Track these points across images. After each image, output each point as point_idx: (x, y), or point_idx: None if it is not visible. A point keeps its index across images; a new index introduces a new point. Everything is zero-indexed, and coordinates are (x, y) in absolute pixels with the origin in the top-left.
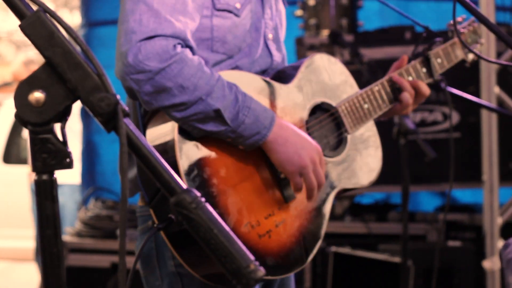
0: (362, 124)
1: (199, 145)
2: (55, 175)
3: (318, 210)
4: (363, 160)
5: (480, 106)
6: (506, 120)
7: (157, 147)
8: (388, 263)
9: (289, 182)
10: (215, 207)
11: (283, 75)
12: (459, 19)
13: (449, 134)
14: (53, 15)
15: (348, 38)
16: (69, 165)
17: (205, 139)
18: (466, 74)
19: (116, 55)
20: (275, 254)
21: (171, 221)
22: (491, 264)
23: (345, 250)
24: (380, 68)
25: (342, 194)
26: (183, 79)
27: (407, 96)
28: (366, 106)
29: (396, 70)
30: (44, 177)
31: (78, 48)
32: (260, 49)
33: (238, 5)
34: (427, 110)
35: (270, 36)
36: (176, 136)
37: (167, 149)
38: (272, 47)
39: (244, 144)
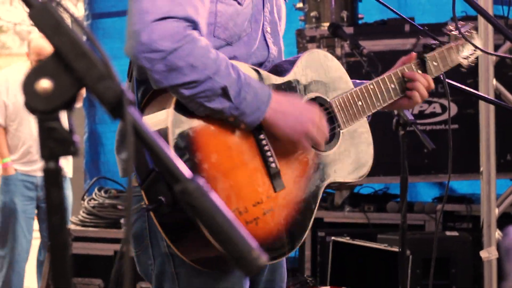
0: (355, 120)
1: (193, 130)
2: (61, 163)
3: (307, 202)
4: (355, 156)
5: (478, 98)
6: (504, 112)
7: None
8: (387, 253)
9: (279, 172)
10: None
11: (280, 69)
12: (458, 24)
13: (448, 126)
14: (60, 5)
15: (348, 30)
16: (75, 153)
17: (199, 125)
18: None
19: (128, 32)
20: (261, 241)
21: (160, 203)
22: (488, 254)
23: (345, 239)
24: (380, 60)
25: (332, 187)
26: (194, 59)
27: (421, 86)
28: (360, 103)
29: (399, 67)
30: (51, 164)
31: (84, 38)
32: (258, 41)
33: None
34: (425, 102)
35: (268, 29)
36: (170, 122)
37: (161, 134)
38: (270, 40)
39: (246, 122)
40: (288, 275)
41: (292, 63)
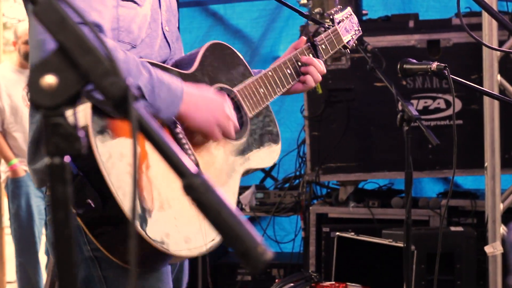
0: (259, 107)
1: (111, 129)
2: (66, 159)
3: (226, 191)
4: (265, 142)
5: (482, 93)
6: (508, 107)
7: None
8: (392, 248)
9: (198, 164)
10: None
11: (182, 63)
12: (336, 8)
13: (452, 122)
14: (65, 0)
15: None
16: (80, 150)
17: (116, 122)
18: (469, 62)
19: (32, 42)
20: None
21: (89, 207)
22: (492, 249)
23: (349, 235)
24: (384, 56)
25: (248, 173)
26: None
27: (314, 70)
28: (261, 90)
29: (292, 52)
30: (56, 160)
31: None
32: (159, 39)
33: None
34: (430, 98)
35: (166, 28)
36: (89, 122)
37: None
38: (169, 38)
39: (161, 118)
40: (293, 270)
41: (193, 56)
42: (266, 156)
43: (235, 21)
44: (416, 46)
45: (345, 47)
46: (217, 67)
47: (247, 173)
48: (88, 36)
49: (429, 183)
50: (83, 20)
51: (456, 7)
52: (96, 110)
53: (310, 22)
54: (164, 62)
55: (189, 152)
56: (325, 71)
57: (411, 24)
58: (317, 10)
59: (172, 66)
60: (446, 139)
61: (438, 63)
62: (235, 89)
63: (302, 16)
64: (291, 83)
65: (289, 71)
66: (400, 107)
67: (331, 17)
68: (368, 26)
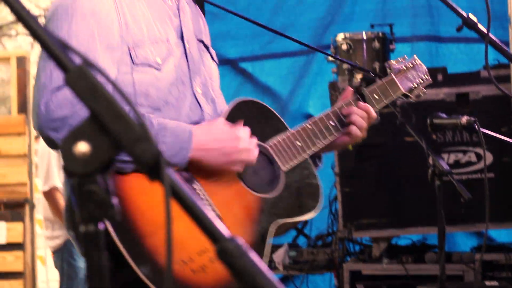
0: (295, 160)
1: (122, 190)
2: (100, 226)
3: (255, 245)
4: (300, 195)
5: None
6: None
7: None
8: None
9: (220, 217)
10: (143, 248)
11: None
12: (399, 58)
13: (484, 175)
14: (95, 67)
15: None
16: (114, 216)
17: (127, 182)
18: (499, 115)
19: (33, 109)
20: None
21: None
22: None
23: None
24: (413, 110)
25: (283, 228)
26: None
27: (358, 118)
28: (298, 143)
29: (337, 104)
30: (90, 228)
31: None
32: (188, 102)
33: (158, 60)
34: (461, 152)
35: (197, 89)
36: None
37: None
38: (201, 100)
39: (174, 164)
40: None
41: (223, 115)
42: (302, 209)
43: (264, 78)
44: (445, 100)
45: (406, 96)
46: (247, 122)
47: (282, 228)
48: (119, 102)
49: (463, 237)
50: (115, 86)
51: (484, 59)
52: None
53: (340, 79)
54: (196, 123)
55: (210, 208)
56: (374, 116)
57: (440, 77)
58: (345, 66)
59: None
60: (478, 193)
61: (468, 117)
62: (267, 143)
63: (359, 69)
64: (334, 134)
65: (332, 123)
66: (431, 162)
67: (388, 66)
68: None
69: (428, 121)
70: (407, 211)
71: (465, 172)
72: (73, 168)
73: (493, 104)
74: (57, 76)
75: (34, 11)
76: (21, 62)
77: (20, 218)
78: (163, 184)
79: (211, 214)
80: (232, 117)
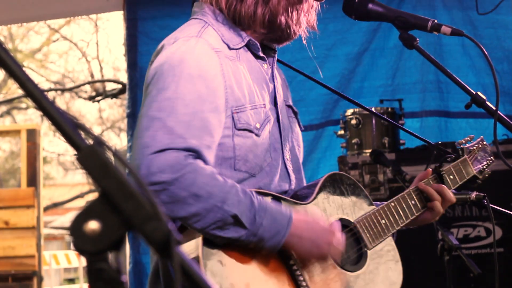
0: (381, 239)
1: (223, 260)
2: None
3: None
4: (384, 274)
5: None
6: None
7: None
8: None
9: None
10: None
11: (301, 195)
12: (467, 138)
13: (493, 250)
14: (107, 146)
15: (390, 156)
16: None
17: (228, 253)
18: (508, 190)
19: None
20: None
21: None
22: None
23: None
24: None
25: None
26: (197, 188)
27: (437, 203)
28: (383, 221)
29: (418, 183)
30: None
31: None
32: (279, 169)
33: (258, 125)
34: (470, 226)
35: (287, 156)
36: (200, 253)
37: None
38: (290, 168)
39: (266, 248)
40: None
41: (313, 187)
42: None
43: None
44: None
45: (476, 177)
46: (336, 198)
47: None
48: (130, 181)
49: None
50: (127, 166)
51: (493, 135)
52: (207, 242)
53: (349, 154)
54: (284, 193)
55: (304, 284)
56: (452, 199)
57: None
58: (354, 140)
59: (291, 197)
60: (488, 268)
61: (477, 193)
62: (355, 221)
63: (430, 146)
64: (415, 214)
65: (413, 202)
66: (440, 236)
67: (461, 146)
68: (406, 156)
69: None
70: (416, 286)
71: (474, 246)
72: (83, 246)
73: (502, 178)
74: (161, 138)
75: (44, 85)
76: (31, 135)
77: None
78: (172, 263)
79: None
80: (322, 191)
